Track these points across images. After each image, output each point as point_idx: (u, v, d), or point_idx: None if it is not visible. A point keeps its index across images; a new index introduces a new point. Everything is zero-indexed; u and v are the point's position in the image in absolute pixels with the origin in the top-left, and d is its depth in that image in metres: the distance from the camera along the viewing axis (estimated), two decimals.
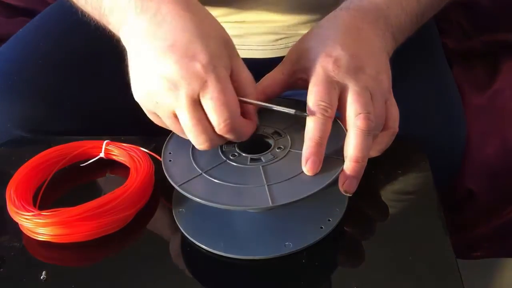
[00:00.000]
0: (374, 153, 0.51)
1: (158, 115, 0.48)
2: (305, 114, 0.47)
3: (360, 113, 0.47)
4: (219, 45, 0.46)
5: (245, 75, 0.48)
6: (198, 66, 0.43)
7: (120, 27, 0.48)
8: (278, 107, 0.49)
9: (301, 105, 0.55)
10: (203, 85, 0.44)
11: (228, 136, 0.46)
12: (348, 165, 0.47)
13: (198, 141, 0.46)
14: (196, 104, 0.44)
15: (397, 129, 0.51)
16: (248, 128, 0.48)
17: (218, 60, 0.45)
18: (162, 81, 0.44)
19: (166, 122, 0.48)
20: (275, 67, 0.53)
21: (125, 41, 0.48)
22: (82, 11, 0.56)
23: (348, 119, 0.48)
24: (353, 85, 0.48)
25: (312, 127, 0.47)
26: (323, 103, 0.47)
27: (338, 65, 0.48)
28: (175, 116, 0.46)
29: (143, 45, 0.46)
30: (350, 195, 0.48)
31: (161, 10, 0.45)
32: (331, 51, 0.49)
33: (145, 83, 0.46)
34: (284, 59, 0.53)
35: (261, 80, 0.53)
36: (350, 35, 0.51)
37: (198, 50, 0.44)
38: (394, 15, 0.55)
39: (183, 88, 0.44)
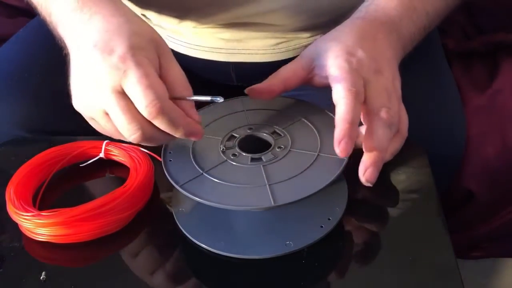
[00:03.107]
0: (388, 155, 0.52)
1: (95, 120, 0.48)
2: (218, 99, 0.47)
3: (383, 107, 0.48)
4: (143, 40, 0.46)
5: (176, 73, 0.47)
6: (115, 59, 0.44)
7: (63, 29, 0.50)
8: (195, 97, 0.48)
9: (305, 105, 0.55)
10: (123, 74, 0.43)
11: (159, 122, 0.44)
12: (371, 155, 0.48)
13: (129, 131, 0.45)
14: (121, 95, 0.44)
15: (406, 135, 0.53)
16: (181, 116, 0.46)
17: (138, 51, 0.45)
18: (89, 82, 0.45)
19: (101, 124, 0.47)
20: (276, 69, 0.53)
21: (66, 41, 0.50)
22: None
23: (370, 113, 0.49)
24: (375, 83, 0.49)
25: (344, 110, 0.47)
26: (354, 88, 0.48)
27: (361, 64, 0.50)
28: (107, 115, 0.46)
29: (73, 44, 0.48)
30: (371, 185, 0.49)
31: (91, 10, 0.47)
32: (353, 51, 0.50)
33: (78, 88, 0.47)
34: (302, 54, 0.54)
35: (280, 70, 0.53)
36: (368, 41, 0.52)
37: (117, 44, 0.44)
38: (406, 28, 0.56)
39: (105, 83, 0.44)
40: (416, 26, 0.58)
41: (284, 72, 0.53)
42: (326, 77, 0.51)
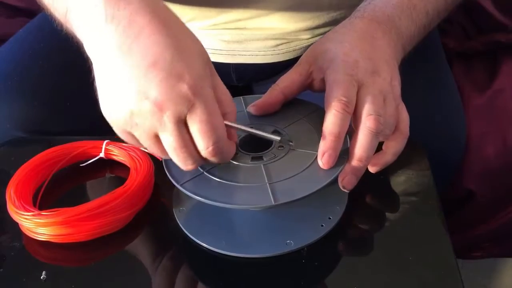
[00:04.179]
0: (390, 157, 0.51)
1: (133, 135, 0.44)
2: (290, 143, 0.49)
3: (371, 114, 0.48)
4: (202, 63, 0.43)
5: (224, 92, 0.46)
6: (185, 88, 0.40)
7: (85, 35, 0.44)
8: (262, 133, 0.49)
9: (306, 105, 0.55)
10: (191, 107, 0.41)
11: (213, 159, 0.45)
12: (352, 163, 0.48)
13: (184, 164, 0.44)
14: (182, 127, 0.42)
15: (408, 133, 0.52)
16: (231, 150, 0.47)
17: (204, 81, 0.42)
18: (145, 103, 0.41)
19: (144, 143, 0.45)
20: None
21: (91, 52, 0.44)
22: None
23: (358, 119, 0.48)
24: (369, 86, 0.49)
25: (331, 122, 0.47)
26: (344, 99, 0.47)
27: (357, 66, 0.49)
28: (157, 137, 0.43)
29: (116, 60, 0.41)
30: (348, 191, 0.48)
31: (136, 21, 0.41)
32: (349, 53, 0.50)
33: (123, 103, 0.42)
34: (300, 60, 0.54)
35: (278, 81, 0.53)
36: (366, 41, 0.52)
37: (183, 69, 0.41)
38: (405, 26, 0.56)
39: (169, 111, 0.41)
40: (416, 24, 0.57)
41: (281, 82, 0.53)
42: (322, 83, 0.51)
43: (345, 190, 0.48)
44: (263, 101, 0.53)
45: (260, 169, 0.48)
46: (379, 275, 0.45)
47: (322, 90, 0.51)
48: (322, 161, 0.47)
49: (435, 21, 0.61)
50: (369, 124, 0.47)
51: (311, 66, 0.53)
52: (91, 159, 0.59)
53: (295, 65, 0.54)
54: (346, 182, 0.48)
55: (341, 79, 0.48)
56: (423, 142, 0.58)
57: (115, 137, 0.46)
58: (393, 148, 0.51)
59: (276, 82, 0.53)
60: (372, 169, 0.52)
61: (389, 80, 0.50)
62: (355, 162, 0.48)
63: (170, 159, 0.46)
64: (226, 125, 0.45)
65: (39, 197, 0.54)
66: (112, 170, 0.59)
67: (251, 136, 0.52)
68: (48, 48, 0.72)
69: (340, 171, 0.47)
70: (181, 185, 0.47)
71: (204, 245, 0.48)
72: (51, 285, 0.46)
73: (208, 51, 0.73)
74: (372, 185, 0.55)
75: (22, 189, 0.53)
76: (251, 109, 0.53)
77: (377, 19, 0.55)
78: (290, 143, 0.49)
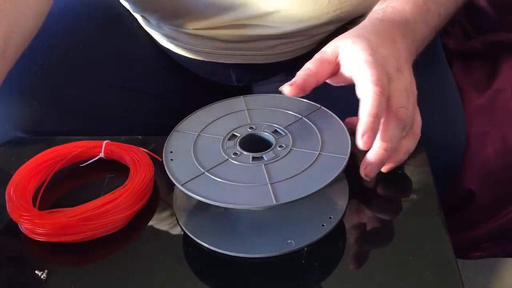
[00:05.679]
0: (402, 155, 0.52)
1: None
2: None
3: (401, 107, 0.49)
4: None
5: None
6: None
7: None
8: None
9: (306, 104, 0.55)
10: None
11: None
12: (376, 151, 0.48)
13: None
14: None
15: (419, 135, 0.53)
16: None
17: None
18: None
19: None
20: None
21: None
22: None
23: (388, 110, 0.49)
24: (397, 82, 0.50)
25: (370, 103, 0.47)
26: (381, 82, 0.48)
27: (385, 60, 0.50)
28: None
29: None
30: (369, 180, 0.50)
31: None
32: (377, 49, 0.51)
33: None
34: (325, 51, 0.53)
35: (310, 67, 0.52)
36: (388, 42, 0.53)
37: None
38: (420, 29, 0.57)
39: None
40: (429, 27, 0.58)
41: (314, 67, 0.52)
42: (349, 72, 0.51)
43: (367, 179, 0.49)
44: (299, 84, 0.51)
45: (261, 169, 0.48)
46: (379, 275, 0.45)
47: (343, 82, 0.52)
48: (362, 142, 0.47)
49: (445, 21, 0.62)
50: (399, 115, 0.49)
51: (338, 56, 0.53)
52: (91, 159, 0.59)
53: (321, 55, 0.53)
54: (369, 170, 0.49)
55: (375, 68, 0.49)
56: (423, 142, 0.58)
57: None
58: (406, 146, 0.52)
59: (308, 67, 0.52)
60: (384, 168, 0.52)
61: (410, 80, 0.52)
62: (380, 150, 0.48)
63: (171, 159, 0.46)
64: None
65: (39, 197, 0.54)
66: (112, 170, 0.59)
67: (252, 136, 0.52)
68: (48, 48, 0.72)
69: (340, 172, 0.47)
70: (182, 185, 0.47)
71: (204, 245, 0.48)
72: (51, 285, 0.46)
73: (208, 51, 0.74)
74: (373, 185, 0.55)
75: (22, 189, 0.53)
76: (287, 88, 0.51)
77: (396, 22, 0.55)
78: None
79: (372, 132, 0.47)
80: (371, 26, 0.55)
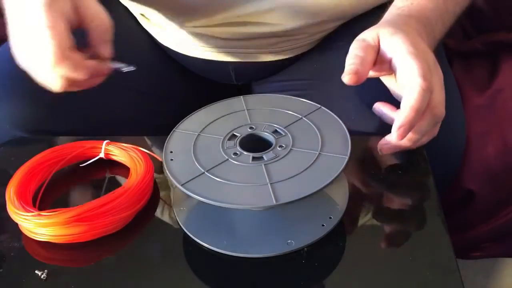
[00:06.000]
0: (424, 138, 0.53)
1: None
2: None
3: (439, 104, 0.50)
4: None
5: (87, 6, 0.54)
6: None
7: None
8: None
9: (306, 104, 0.55)
10: None
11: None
12: (402, 140, 0.49)
13: None
14: None
15: (436, 134, 0.54)
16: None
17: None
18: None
19: None
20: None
21: None
22: None
23: (426, 105, 0.49)
24: (436, 75, 0.50)
25: (415, 97, 0.47)
26: (427, 76, 0.48)
27: (426, 54, 0.50)
28: None
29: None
30: (382, 154, 0.53)
31: None
32: (416, 42, 0.51)
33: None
34: (364, 39, 0.52)
35: (362, 56, 0.50)
36: (421, 38, 0.53)
37: None
38: (438, 30, 0.58)
39: None
40: (445, 27, 0.59)
41: (364, 54, 0.51)
42: (387, 63, 0.51)
43: (381, 153, 0.51)
44: (362, 69, 0.50)
45: (261, 169, 0.48)
46: (379, 275, 0.45)
47: (378, 73, 0.52)
48: (397, 133, 0.48)
49: (456, 19, 0.62)
50: (435, 112, 0.49)
51: (378, 47, 0.52)
52: (91, 159, 0.59)
53: (363, 42, 0.51)
54: (386, 149, 0.51)
55: (420, 60, 0.49)
56: None
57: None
58: (432, 133, 0.53)
59: (359, 55, 0.50)
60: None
61: (441, 76, 0.52)
62: (405, 140, 0.50)
63: (171, 159, 0.46)
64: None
65: (39, 197, 0.54)
66: (112, 170, 0.59)
67: (252, 136, 0.52)
68: None
69: (340, 172, 0.47)
70: (182, 185, 0.47)
71: (205, 245, 0.48)
72: (51, 285, 0.46)
73: (207, 49, 0.74)
74: (373, 185, 0.55)
75: (22, 189, 0.53)
76: (349, 77, 0.49)
77: (422, 22, 0.56)
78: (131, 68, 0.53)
79: (410, 126, 0.47)
80: (402, 21, 0.55)
